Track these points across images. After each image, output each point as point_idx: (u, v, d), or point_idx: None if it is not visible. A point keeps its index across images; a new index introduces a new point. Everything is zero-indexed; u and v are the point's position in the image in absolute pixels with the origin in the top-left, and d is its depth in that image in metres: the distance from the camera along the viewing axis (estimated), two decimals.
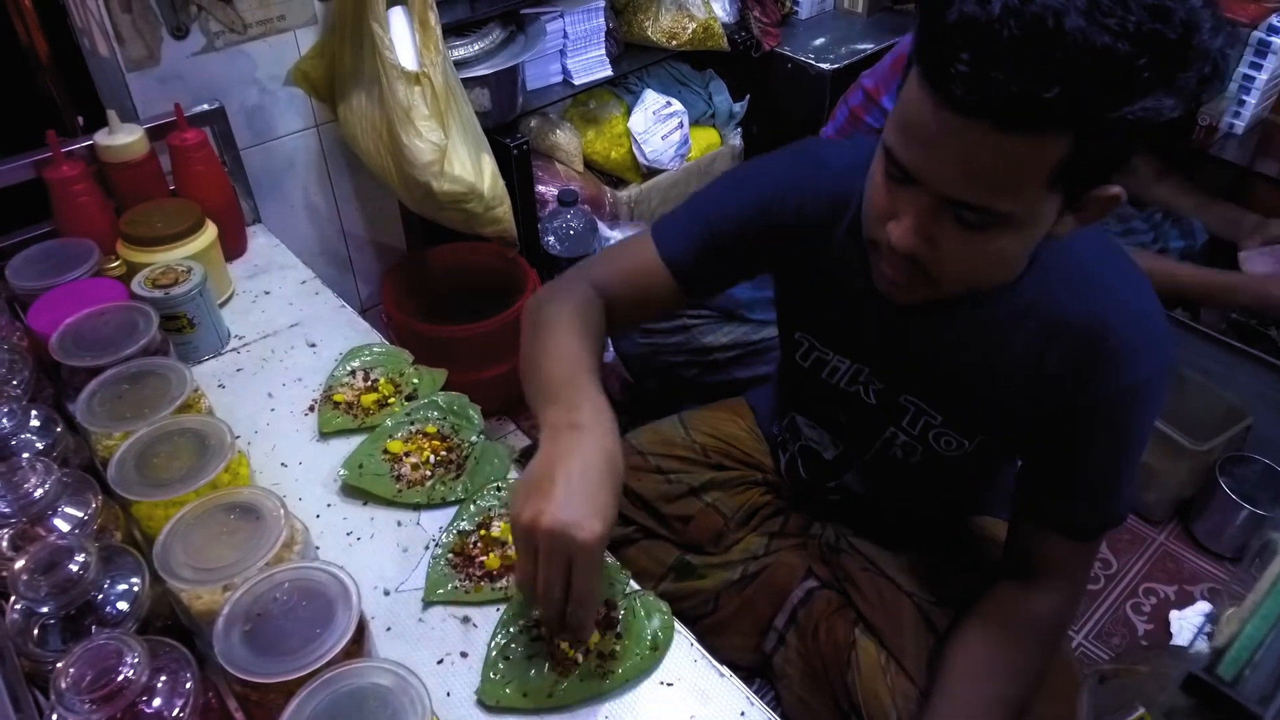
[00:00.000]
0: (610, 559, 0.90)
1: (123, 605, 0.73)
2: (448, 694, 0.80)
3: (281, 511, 0.76)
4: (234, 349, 1.19)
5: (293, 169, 1.63)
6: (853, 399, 1.01)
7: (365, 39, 1.42)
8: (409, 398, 1.07)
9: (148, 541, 0.80)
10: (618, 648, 0.82)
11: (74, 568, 0.70)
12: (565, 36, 1.81)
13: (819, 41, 2.13)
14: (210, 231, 1.21)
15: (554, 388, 0.81)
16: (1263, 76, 1.64)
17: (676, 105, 2.01)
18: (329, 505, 0.97)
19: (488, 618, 0.86)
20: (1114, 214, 1.82)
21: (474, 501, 0.95)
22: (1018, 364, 0.87)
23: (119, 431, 0.86)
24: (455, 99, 1.50)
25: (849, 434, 1.07)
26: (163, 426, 0.85)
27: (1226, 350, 1.67)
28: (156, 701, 0.64)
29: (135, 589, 0.74)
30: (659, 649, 0.82)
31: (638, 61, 1.99)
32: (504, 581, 0.88)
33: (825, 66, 2.03)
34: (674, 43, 1.96)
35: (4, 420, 0.86)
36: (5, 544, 0.76)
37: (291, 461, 1.02)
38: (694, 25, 1.96)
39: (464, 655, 0.83)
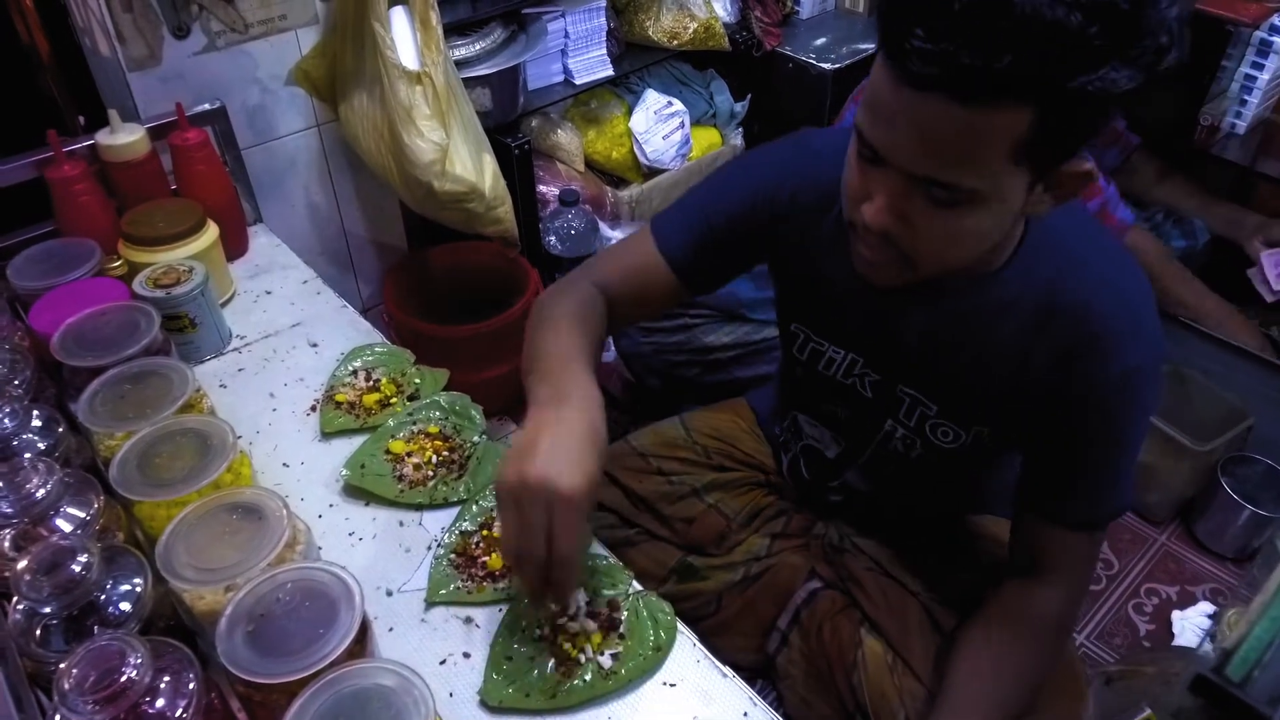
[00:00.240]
0: (612, 559, 0.90)
1: (125, 606, 0.73)
2: (450, 694, 0.80)
3: (284, 512, 0.76)
4: (235, 349, 1.18)
5: (294, 168, 1.63)
6: (850, 392, 1.01)
7: (366, 38, 1.42)
8: (411, 398, 1.07)
9: (150, 542, 0.80)
10: (621, 648, 0.82)
11: (76, 568, 0.70)
12: (566, 36, 1.81)
13: (820, 41, 2.13)
14: (212, 231, 1.21)
15: (546, 373, 0.85)
16: (1264, 76, 1.64)
17: (678, 105, 2.01)
18: (331, 505, 0.97)
19: (490, 618, 0.86)
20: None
21: (476, 502, 0.95)
22: (1008, 351, 0.87)
23: (121, 432, 0.86)
24: (456, 98, 1.50)
25: (849, 430, 1.07)
26: (165, 427, 0.85)
27: (1228, 350, 1.67)
28: (160, 702, 0.64)
29: (138, 589, 0.74)
30: (662, 649, 0.82)
31: (639, 61, 1.99)
32: (506, 582, 0.88)
33: (826, 66, 2.03)
34: (675, 42, 1.96)
35: (6, 420, 0.85)
36: (7, 544, 0.76)
37: (293, 462, 1.02)
38: (695, 25, 1.95)
39: (466, 656, 0.83)
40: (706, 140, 2.13)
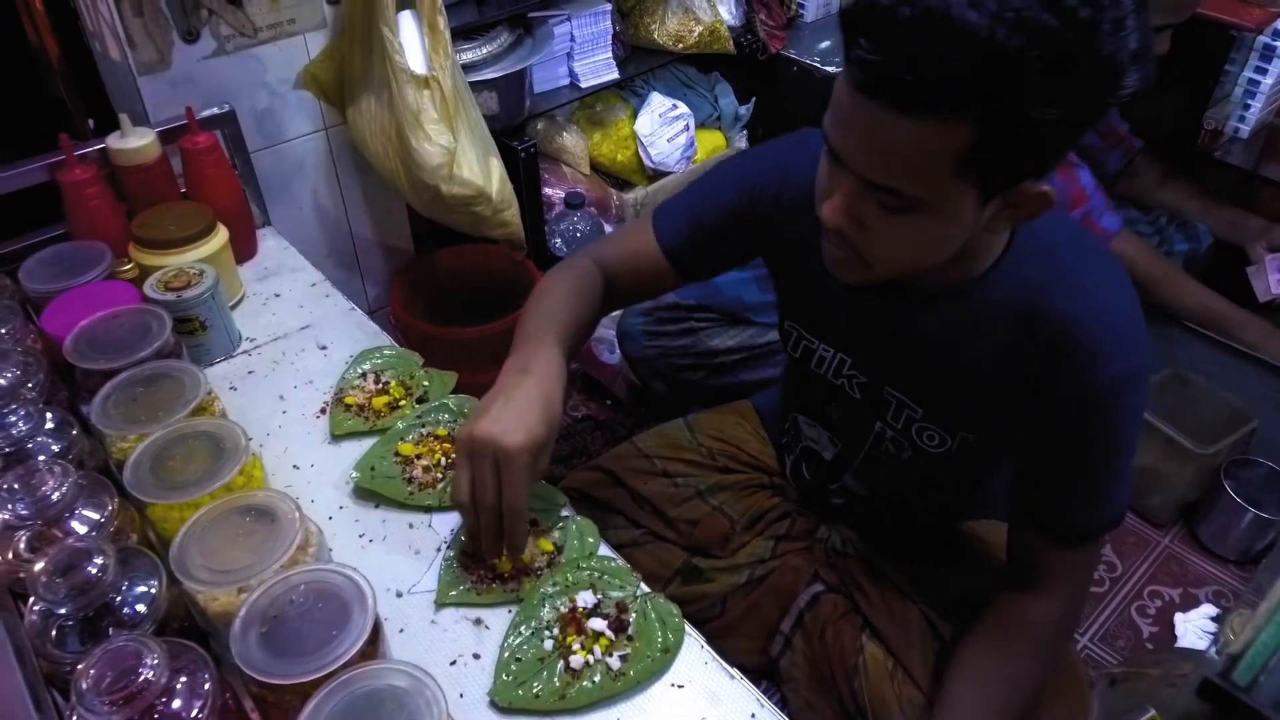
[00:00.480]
0: (620, 561, 0.91)
1: (140, 607, 0.73)
2: (460, 695, 0.80)
3: (296, 514, 0.77)
4: (245, 351, 1.19)
5: (302, 172, 1.64)
6: (840, 393, 1.02)
7: (375, 43, 1.43)
8: (420, 400, 1.08)
9: (163, 544, 0.80)
10: (629, 650, 0.82)
11: (92, 570, 0.71)
12: (572, 40, 1.82)
13: (825, 44, 2.13)
14: (221, 234, 1.22)
15: (520, 342, 0.92)
16: (1268, 81, 1.65)
17: (683, 108, 2.02)
18: (341, 508, 0.98)
19: (500, 619, 0.86)
20: (1123, 217, 1.82)
21: None
22: (990, 358, 0.87)
23: (134, 434, 0.86)
24: (464, 102, 1.50)
25: (842, 431, 1.08)
26: (177, 429, 0.86)
27: (1231, 353, 1.67)
28: (176, 703, 0.65)
29: (153, 591, 0.74)
30: (670, 651, 0.83)
31: (644, 64, 2.00)
32: (516, 583, 0.88)
33: (831, 69, 2.04)
34: (680, 46, 1.97)
35: (20, 424, 0.86)
36: (23, 546, 0.77)
37: (304, 464, 1.03)
38: (700, 28, 1.96)
39: (476, 657, 0.84)
40: (711, 143, 2.14)
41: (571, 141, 1.95)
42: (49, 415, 0.89)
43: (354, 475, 0.99)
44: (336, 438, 1.05)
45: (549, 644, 0.82)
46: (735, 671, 0.83)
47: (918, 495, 1.10)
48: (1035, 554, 0.92)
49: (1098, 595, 1.61)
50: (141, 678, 0.63)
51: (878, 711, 1.00)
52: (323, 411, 1.09)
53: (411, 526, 0.96)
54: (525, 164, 1.74)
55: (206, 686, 0.67)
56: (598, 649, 0.82)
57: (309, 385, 1.13)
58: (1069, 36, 0.62)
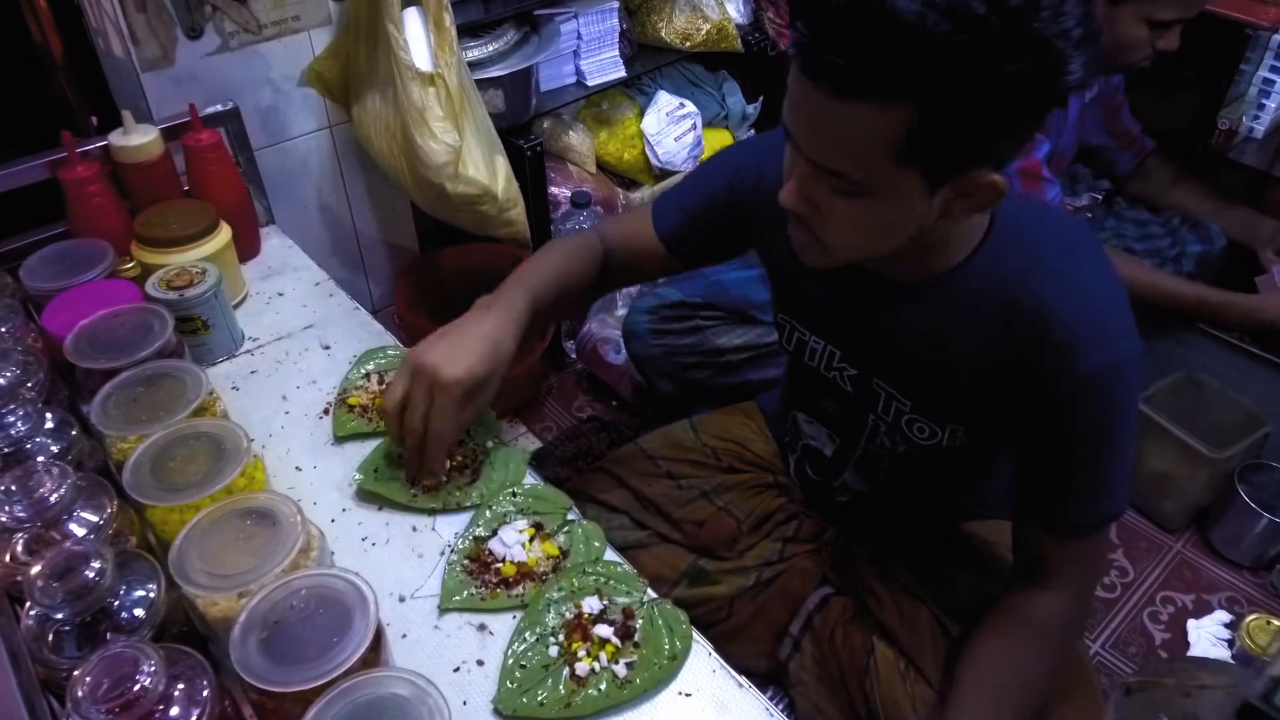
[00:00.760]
0: (626, 566, 0.89)
1: (139, 612, 0.72)
2: (464, 703, 0.79)
3: (298, 517, 0.76)
4: (248, 351, 1.18)
5: (306, 170, 1.63)
6: (833, 386, 1.02)
7: (380, 40, 1.42)
8: None
9: (163, 547, 0.79)
10: (635, 657, 0.81)
11: (90, 574, 0.70)
12: (579, 38, 1.81)
13: None
14: (224, 233, 1.21)
15: (499, 288, 0.96)
16: None
17: (690, 107, 2.00)
18: (344, 510, 0.97)
19: (504, 625, 0.85)
20: (1131, 219, 1.81)
21: (489, 507, 0.94)
22: (972, 351, 0.87)
23: (134, 435, 0.85)
24: (469, 100, 1.49)
25: (838, 425, 1.08)
26: (178, 430, 0.85)
27: (1245, 357, 1.65)
28: (174, 711, 0.64)
29: (151, 595, 0.73)
30: (677, 658, 0.81)
31: (651, 63, 1.99)
32: (520, 589, 0.87)
33: None
34: (688, 44, 1.95)
35: (19, 424, 0.85)
36: (20, 548, 0.76)
37: (306, 465, 1.01)
38: (708, 26, 1.95)
39: (480, 663, 0.82)
40: (718, 142, 2.12)
41: (578, 140, 1.94)
42: (49, 415, 0.88)
43: (357, 477, 0.97)
44: (339, 439, 1.04)
45: (554, 650, 0.81)
46: (744, 680, 0.81)
47: (918, 491, 1.09)
48: (1039, 549, 0.92)
49: (1109, 601, 1.59)
50: (138, 685, 0.62)
51: (890, 713, 1.00)
52: (326, 412, 1.08)
53: (415, 530, 0.94)
54: (531, 162, 1.73)
55: (205, 694, 0.66)
56: (604, 656, 0.80)
57: (312, 385, 1.12)
58: (997, 23, 0.62)
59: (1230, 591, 1.60)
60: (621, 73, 1.89)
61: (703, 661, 0.82)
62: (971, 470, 1.07)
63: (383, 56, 1.43)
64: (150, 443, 0.83)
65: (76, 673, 0.63)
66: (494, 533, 0.92)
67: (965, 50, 0.62)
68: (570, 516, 0.94)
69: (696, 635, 0.84)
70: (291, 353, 1.17)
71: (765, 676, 1.18)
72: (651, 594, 0.87)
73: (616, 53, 1.87)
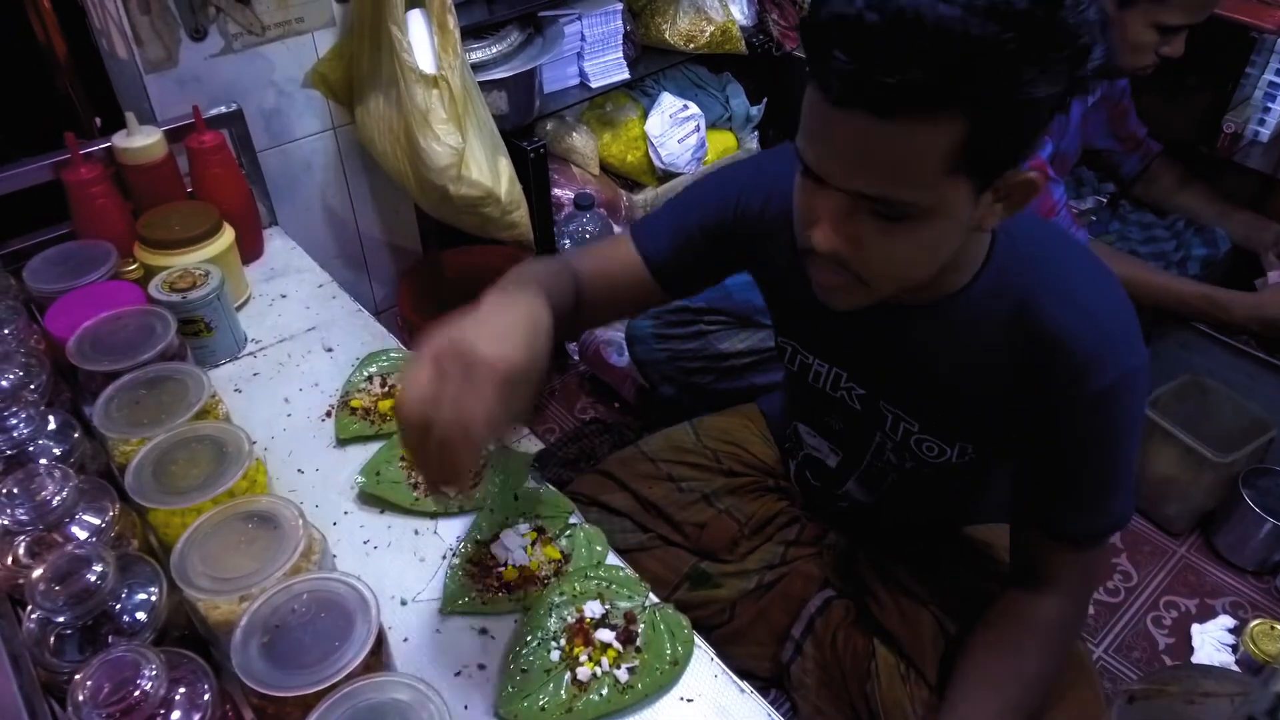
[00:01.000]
0: (628, 570, 0.89)
1: (140, 615, 0.72)
2: (465, 707, 0.79)
3: (300, 521, 0.76)
4: (250, 353, 1.18)
5: (310, 171, 1.63)
6: (840, 405, 1.01)
7: (383, 41, 1.42)
8: None
9: (165, 549, 0.79)
10: (637, 662, 0.81)
11: (91, 577, 0.70)
12: (583, 39, 1.81)
13: None
14: (227, 234, 1.21)
15: (497, 289, 0.79)
16: None
17: (693, 108, 2.00)
18: (346, 513, 0.96)
19: (506, 629, 0.85)
20: (1135, 222, 1.80)
21: (491, 510, 0.94)
22: (979, 372, 0.86)
23: (136, 437, 0.85)
24: (473, 102, 1.49)
25: (843, 441, 1.07)
26: (180, 433, 0.85)
27: (1251, 361, 1.64)
28: (175, 714, 0.64)
29: (153, 599, 0.73)
30: (679, 664, 0.81)
31: (655, 64, 1.99)
32: (522, 593, 0.87)
33: None
34: (692, 45, 1.95)
35: (22, 426, 0.85)
36: (22, 551, 0.76)
37: (308, 468, 1.01)
38: (712, 28, 1.94)
39: (481, 667, 0.82)
40: (722, 144, 2.12)
41: (581, 142, 1.94)
42: (51, 418, 0.88)
43: (359, 480, 0.97)
44: (342, 442, 1.04)
45: (555, 655, 0.81)
46: (746, 685, 0.81)
47: (923, 502, 1.08)
48: (1040, 554, 0.92)
49: (1112, 606, 1.58)
50: (139, 689, 0.62)
51: (892, 715, 0.99)
52: (328, 415, 1.08)
53: (417, 533, 0.94)
54: (534, 164, 1.72)
55: (206, 698, 0.66)
56: (605, 661, 0.80)
57: (314, 388, 1.12)
58: (1040, 15, 0.61)
59: (1234, 596, 1.60)
60: (625, 74, 1.89)
61: (704, 666, 0.82)
62: (975, 481, 1.06)
63: (386, 58, 1.43)
64: (152, 445, 0.83)
65: (78, 676, 0.63)
66: (496, 536, 0.92)
67: (1014, 47, 0.61)
68: (572, 520, 0.94)
69: (698, 640, 0.84)
70: (294, 355, 1.17)
71: (767, 679, 1.18)
72: (653, 598, 0.86)
73: (620, 54, 1.87)
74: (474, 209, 1.52)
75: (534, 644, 0.82)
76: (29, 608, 0.72)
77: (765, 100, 2.15)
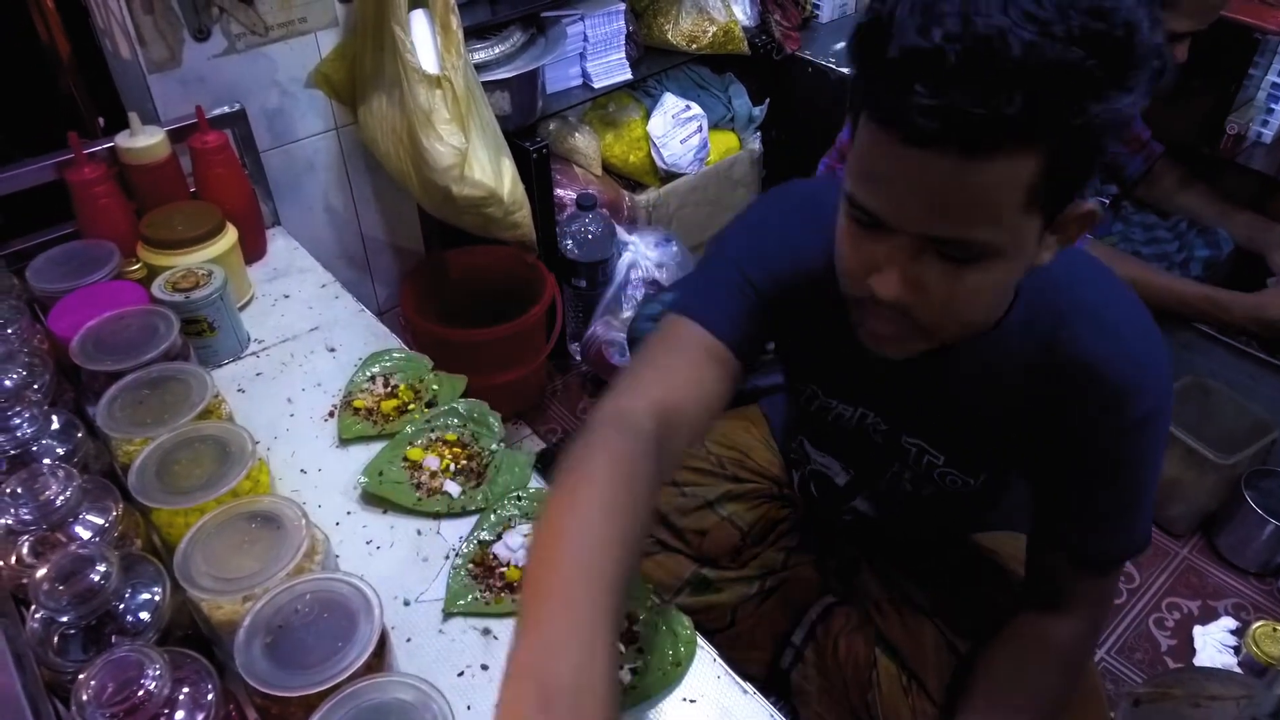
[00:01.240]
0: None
1: (144, 615, 0.72)
2: (468, 707, 0.79)
3: (302, 521, 0.76)
4: (253, 353, 1.18)
5: (312, 171, 1.63)
6: (858, 436, 0.99)
7: (386, 42, 1.42)
8: (429, 404, 1.07)
9: (168, 549, 0.79)
10: (639, 663, 0.81)
11: (95, 577, 0.70)
12: (585, 40, 1.81)
13: (840, 45, 2.11)
14: (230, 234, 1.21)
15: (538, 600, 0.60)
16: None
17: (696, 109, 2.00)
18: (349, 513, 0.96)
19: (508, 629, 0.85)
20: (1138, 223, 1.80)
21: (494, 511, 0.94)
22: (1010, 406, 0.85)
23: (139, 437, 0.85)
24: (476, 102, 1.49)
25: (857, 466, 1.05)
26: (184, 433, 0.85)
27: (1254, 363, 1.64)
28: (179, 714, 0.64)
29: (156, 598, 0.73)
30: (681, 664, 0.81)
31: (657, 65, 1.99)
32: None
33: (846, 71, 2.02)
34: (694, 46, 1.95)
35: (25, 426, 0.85)
36: (26, 551, 0.76)
37: (311, 468, 1.01)
38: (714, 29, 1.94)
39: (484, 668, 0.82)
40: (724, 144, 2.12)
41: (584, 142, 1.94)
42: (54, 417, 0.88)
43: (362, 480, 0.97)
44: (345, 441, 1.04)
45: None
46: (748, 686, 0.81)
47: (932, 518, 1.08)
48: (1058, 578, 0.91)
49: (1115, 608, 1.58)
50: (143, 688, 0.62)
51: None
52: (331, 415, 1.08)
53: (420, 533, 0.94)
54: (537, 165, 1.73)
55: (209, 698, 0.66)
56: None
57: (317, 388, 1.12)
58: (1120, 37, 0.59)
59: (1236, 598, 1.60)
60: (628, 75, 1.89)
61: (707, 667, 0.82)
62: (988, 501, 1.06)
63: (389, 58, 1.43)
64: (155, 445, 0.83)
65: (81, 676, 0.63)
66: (499, 537, 0.92)
67: (1098, 72, 0.59)
68: None
69: (701, 641, 0.84)
70: (297, 355, 1.17)
71: (766, 684, 1.17)
72: (656, 599, 0.86)
73: (623, 55, 1.87)
74: (477, 209, 1.52)
75: None
76: (33, 607, 0.72)
77: (768, 101, 2.15)
